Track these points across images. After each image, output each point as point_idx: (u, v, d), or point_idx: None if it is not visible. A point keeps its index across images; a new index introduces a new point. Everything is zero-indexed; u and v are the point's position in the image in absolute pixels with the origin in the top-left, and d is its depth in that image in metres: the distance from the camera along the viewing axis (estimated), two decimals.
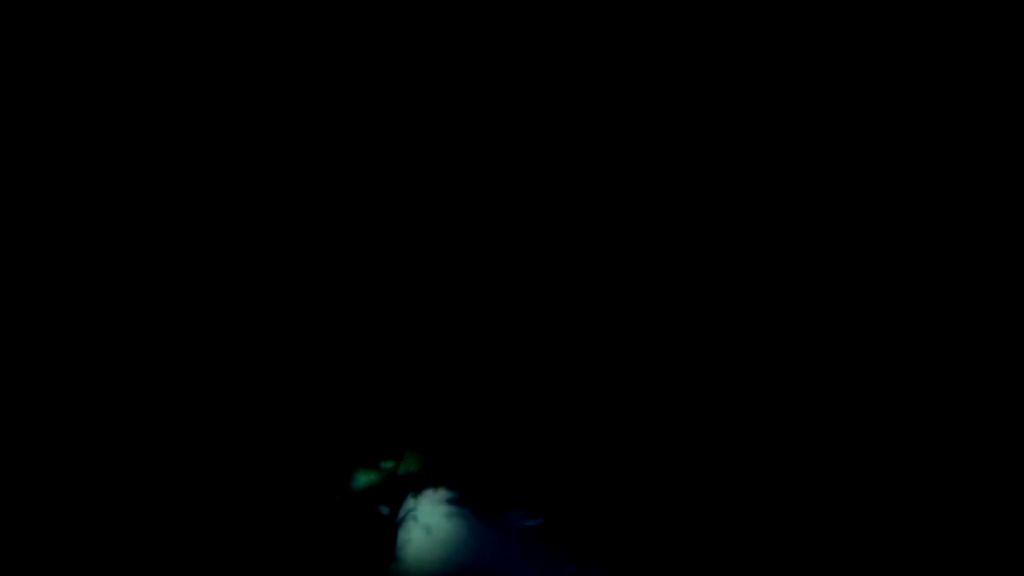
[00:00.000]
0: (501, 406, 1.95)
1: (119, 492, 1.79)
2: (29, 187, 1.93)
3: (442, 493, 1.78)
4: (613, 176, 2.00)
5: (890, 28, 1.92)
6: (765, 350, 1.93)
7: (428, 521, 1.79)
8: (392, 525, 1.80)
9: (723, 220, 1.98)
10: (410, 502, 1.78)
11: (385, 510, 1.84)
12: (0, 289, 1.89)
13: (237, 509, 1.82)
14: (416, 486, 1.81)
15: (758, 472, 1.85)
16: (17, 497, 1.76)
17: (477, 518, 1.78)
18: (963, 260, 1.91)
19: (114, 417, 1.85)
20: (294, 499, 1.85)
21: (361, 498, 1.83)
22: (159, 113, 1.97)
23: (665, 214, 1.98)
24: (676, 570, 1.78)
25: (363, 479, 1.83)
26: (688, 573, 1.78)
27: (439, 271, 1.98)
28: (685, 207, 1.99)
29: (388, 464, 1.84)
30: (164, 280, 1.92)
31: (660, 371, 1.94)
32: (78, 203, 1.94)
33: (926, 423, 1.87)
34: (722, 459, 1.87)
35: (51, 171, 1.94)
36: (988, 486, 1.80)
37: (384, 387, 1.96)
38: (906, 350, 1.91)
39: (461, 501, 1.76)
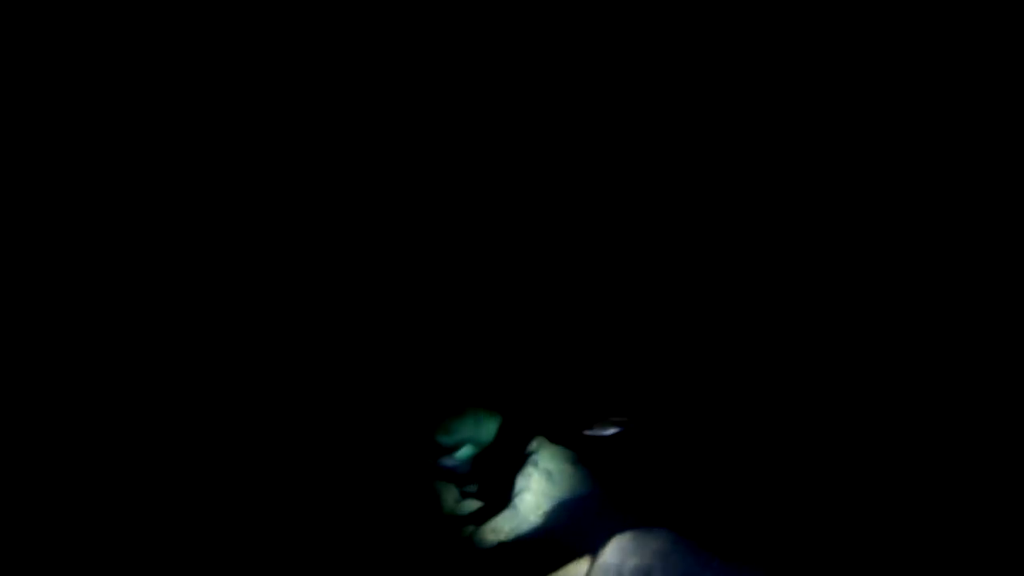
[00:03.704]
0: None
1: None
2: (29, 187, 1.92)
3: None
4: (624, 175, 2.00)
5: (890, 28, 1.92)
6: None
7: (549, 466, 1.70)
8: (510, 471, 1.73)
9: (727, 219, 1.98)
10: (532, 446, 1.68)
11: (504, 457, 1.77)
12: (1, 289, 1.89)
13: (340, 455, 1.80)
14: (534, 432, 1.70)
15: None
16: (20, 497, 1.76)
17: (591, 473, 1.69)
18: (963, 260, 1.92)
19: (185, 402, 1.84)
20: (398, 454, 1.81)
21: (481, 447, 1.72)
22: (161, 113, 1.97)
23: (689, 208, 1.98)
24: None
25: (485, 427, 1.72)
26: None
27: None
28: (692, 205, 1.99)
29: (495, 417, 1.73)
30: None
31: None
32: (80, 203, 1.94)
33: (926, 422, 1.88)
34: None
35: (51, 171, 1.93)
36: (988, 486, 1.81)
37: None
38: (906, 350, 1.92)
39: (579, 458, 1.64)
